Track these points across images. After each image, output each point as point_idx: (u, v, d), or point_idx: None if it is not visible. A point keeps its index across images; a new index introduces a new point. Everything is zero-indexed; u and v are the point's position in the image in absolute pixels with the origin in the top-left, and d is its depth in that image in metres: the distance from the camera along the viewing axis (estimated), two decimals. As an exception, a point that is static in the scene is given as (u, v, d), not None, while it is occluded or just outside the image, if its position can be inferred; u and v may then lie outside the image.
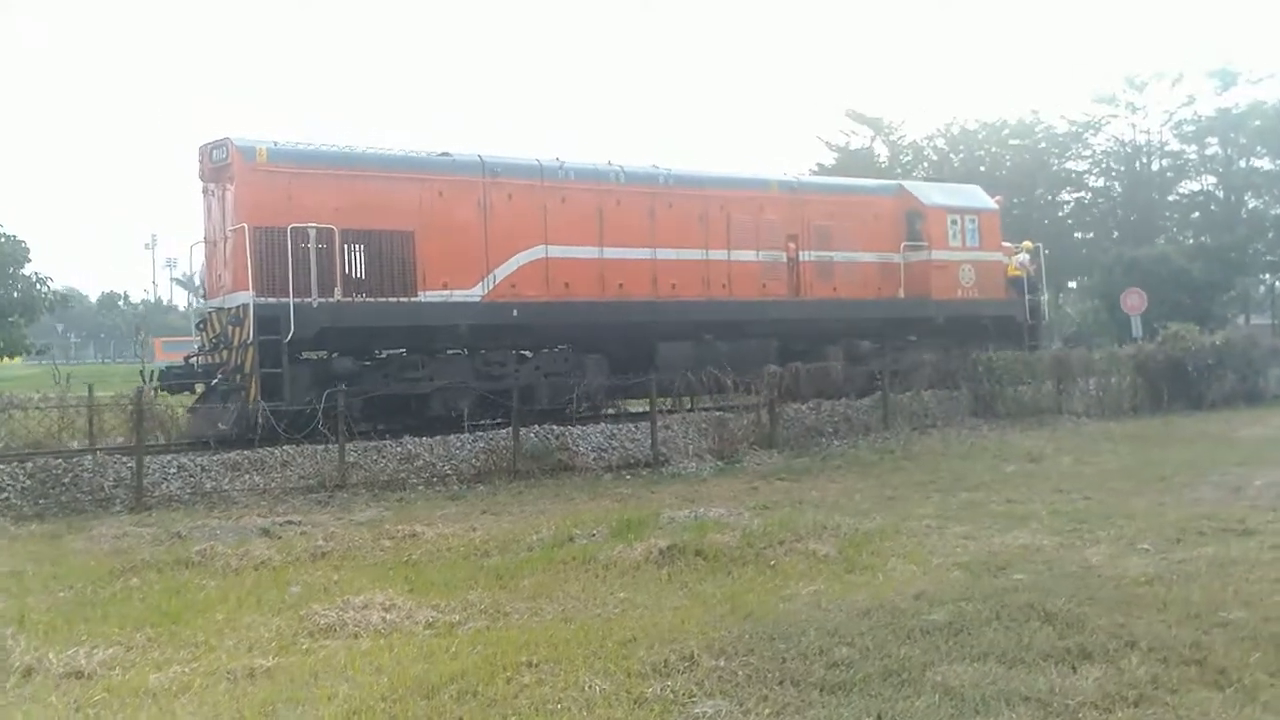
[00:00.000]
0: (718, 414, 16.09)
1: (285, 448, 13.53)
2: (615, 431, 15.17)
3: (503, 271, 16.08)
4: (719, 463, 14.96)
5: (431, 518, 10.83)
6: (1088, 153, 51.97)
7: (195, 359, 15.29)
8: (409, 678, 5.33)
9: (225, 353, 14.56)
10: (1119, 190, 52.08)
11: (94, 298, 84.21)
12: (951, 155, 54.97)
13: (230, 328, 14.40)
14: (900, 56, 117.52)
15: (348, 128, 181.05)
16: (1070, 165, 52.14)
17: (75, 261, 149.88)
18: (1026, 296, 21.86)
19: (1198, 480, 11.54)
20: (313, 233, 14.40)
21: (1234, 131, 47.59)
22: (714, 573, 7.82)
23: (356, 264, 14.91)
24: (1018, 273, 22.08)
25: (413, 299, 15.21)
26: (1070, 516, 9.51)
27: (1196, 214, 50.46)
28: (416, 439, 14.23)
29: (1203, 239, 47.25)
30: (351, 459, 13.54)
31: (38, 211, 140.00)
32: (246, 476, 12.86)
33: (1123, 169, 51.44)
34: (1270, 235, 48.68)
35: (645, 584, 7.58)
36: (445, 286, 15.52)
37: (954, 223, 20.89)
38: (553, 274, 16.47)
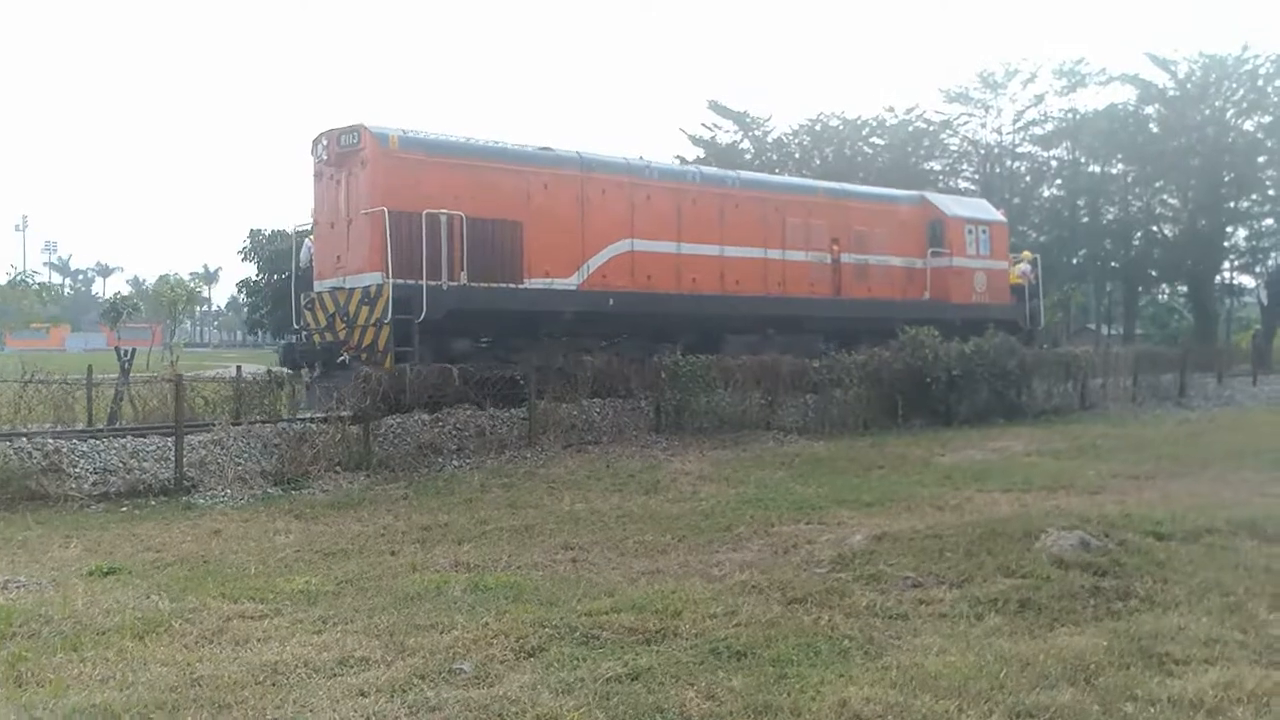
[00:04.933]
0: (299, 426, 12.90)
1: None
2: (140, 448, 11.84)
3: (595, 262, 16.85)
4: (273, 489, 11.78)
5: None
6: (944, 153, 50.33)
7: (317, 336, 15.35)
8: None
9: (346, 331, 14.65)
10: (977, 192, 50.41)
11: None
12: (815, 152, 52.82)
13: (361, 307, 14.50)
14: (764, 50, 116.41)
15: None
16: (929, 165, 50.30)
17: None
18: (1027, 303, 23.19)
19: (767, 530, 8.74)
20: (444, 219, 14.73)
21: (1085, 134, 46.20)
22: None
23: (475, 250, 15.11)
24: (1019, 281, 23.25)
25: (521, 285, 15.72)
26: (496, 598, 6.54)
27: (1066, 215, 48.87)
28: None
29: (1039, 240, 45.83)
30: None
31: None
32: None
33: (975, 173, 49.83)
34: (1138, 242, 47.41)
35: None
36: (547, 274, 16.18)
37: (970, 232, 22.25)
38: (637, 266, 17.33)
